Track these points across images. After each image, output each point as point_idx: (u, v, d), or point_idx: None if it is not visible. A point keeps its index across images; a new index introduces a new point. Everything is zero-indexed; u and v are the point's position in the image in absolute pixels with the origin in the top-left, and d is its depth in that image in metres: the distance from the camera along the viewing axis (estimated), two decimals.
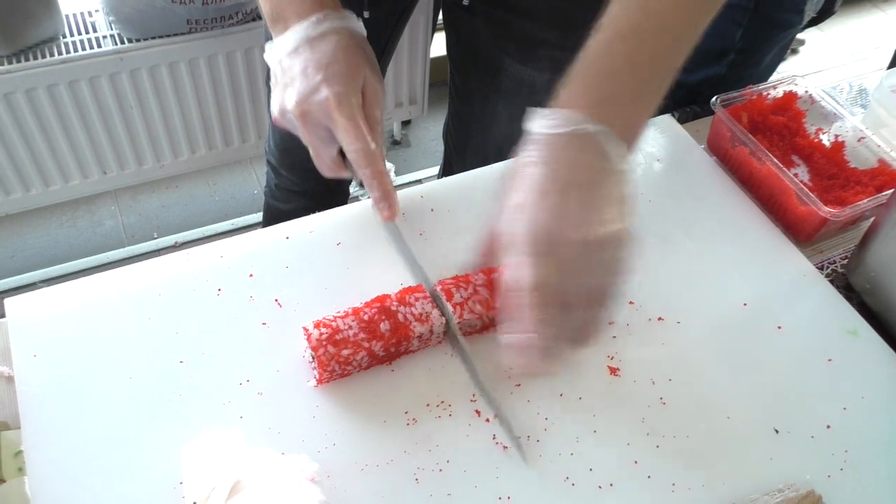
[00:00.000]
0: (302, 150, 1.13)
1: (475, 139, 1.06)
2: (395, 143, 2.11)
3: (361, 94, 0.64)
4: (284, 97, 0.64)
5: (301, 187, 1.21)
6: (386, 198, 0.65)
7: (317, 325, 0.58)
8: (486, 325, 0.63)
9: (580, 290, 0.51)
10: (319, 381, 0.58)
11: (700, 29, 0.56)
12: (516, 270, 0.51)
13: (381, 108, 0.67)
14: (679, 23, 0.55)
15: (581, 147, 0.53)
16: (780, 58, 1.23)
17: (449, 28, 1.02)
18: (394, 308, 0.59)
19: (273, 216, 1.32)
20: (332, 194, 1.26)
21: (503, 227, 0.53)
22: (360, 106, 0.64)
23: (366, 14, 0.94)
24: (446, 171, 1.24)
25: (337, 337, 0.57)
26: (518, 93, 0.95)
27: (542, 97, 0.95)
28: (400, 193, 0.75)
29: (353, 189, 1.94)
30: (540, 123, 0.55)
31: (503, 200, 0.54)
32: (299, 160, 1.17)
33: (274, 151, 1.18)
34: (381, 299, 0.60)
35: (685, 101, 1.05)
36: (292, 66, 0.63)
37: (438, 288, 0.62)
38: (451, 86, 1.08)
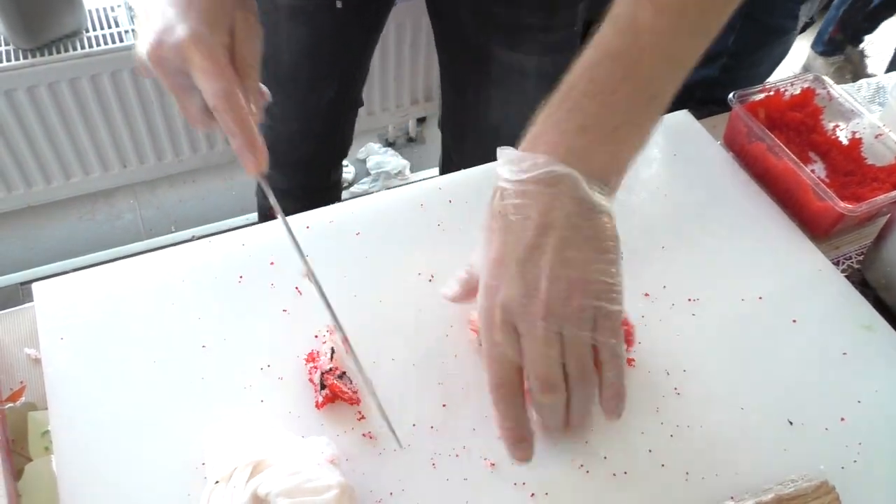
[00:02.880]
0: (284, 145, 1.09)
1: (472, 127, 1.05)
2: (411, 140, 2.12)
3: (230, 35, 0.57)
4: (139, 41, 0.56)
5: (288, 185, 1.18)
6: (249, 146, 0.55)
7: None
8: None
9: (556, 370, 0.50)
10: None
11: (696, 49, 0.51)
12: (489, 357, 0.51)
13: (254, 49, 0.59)
14: (673, 42, 0.49)
15: (553, 195, 0.48)
16: (778, 61, 1.23)
17: (434, 17, 1.01)
18: None
19: (266, 216, 1.31)
20: (322, 191, 1.24)
21: (480, 295, 0.51)
22: (227, 45, 0.56)
23: (339, 3, 0.92)
24: (445, 160, 1.23)
25: None
26: (509, 78, 0.94)
27: (531, 81, 0.95)
28: (418, 185, 0.76)
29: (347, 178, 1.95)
30: (506, 169, 0.51)
31: (484, 250, 0.52)
32: (282, 157, 1.13)
33: None
34: None
35: (676, 102, 1.06)
36: (149, 4, 0.56)
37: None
38: (443, 76, 1.07)
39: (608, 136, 0.49)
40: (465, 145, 1.08)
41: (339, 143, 1.20)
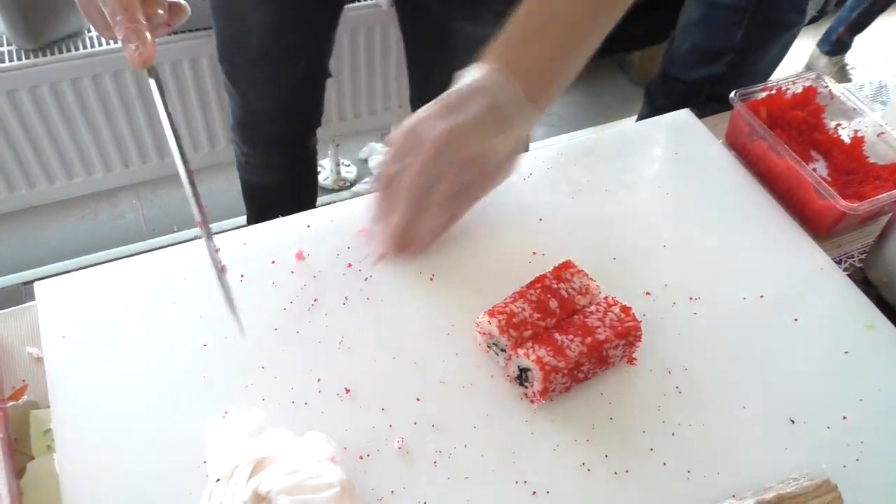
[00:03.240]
0: (262, 125, 1.12)
1: None
2: None
3: None
4: None
5: (268, 161, 1.23)
6: (134, 34, 0.51)
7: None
8: None
9: (421, 188, 0.62)
10: None
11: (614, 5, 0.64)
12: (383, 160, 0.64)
13: None
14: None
15: (492, 90, 0.62)
16: (782, 55, 1.23)
17: (400, 2, 1.03)
18: None
19: (249, 191, 1.34)
20: (300, 159, 1.28)
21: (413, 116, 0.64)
22: None
23: None
24: None
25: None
26: (474, 51, 0.97)
27: None
28: None
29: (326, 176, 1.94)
30: (466, 75, 0.64)
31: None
32: (262, 137, 1.19)
33: (235, 127, 1.20)
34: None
35: (683, 98, 1.05)
36: None
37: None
38: (410, 59, 1.10)
39: (545, 65, 0.65)
40: None
41: (311, 113, 1.24)
